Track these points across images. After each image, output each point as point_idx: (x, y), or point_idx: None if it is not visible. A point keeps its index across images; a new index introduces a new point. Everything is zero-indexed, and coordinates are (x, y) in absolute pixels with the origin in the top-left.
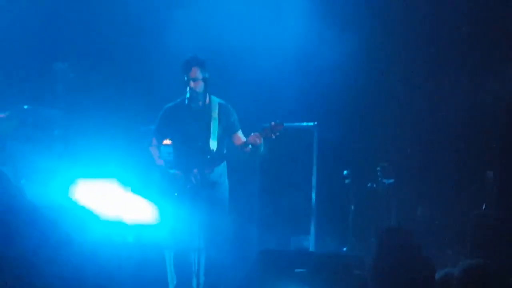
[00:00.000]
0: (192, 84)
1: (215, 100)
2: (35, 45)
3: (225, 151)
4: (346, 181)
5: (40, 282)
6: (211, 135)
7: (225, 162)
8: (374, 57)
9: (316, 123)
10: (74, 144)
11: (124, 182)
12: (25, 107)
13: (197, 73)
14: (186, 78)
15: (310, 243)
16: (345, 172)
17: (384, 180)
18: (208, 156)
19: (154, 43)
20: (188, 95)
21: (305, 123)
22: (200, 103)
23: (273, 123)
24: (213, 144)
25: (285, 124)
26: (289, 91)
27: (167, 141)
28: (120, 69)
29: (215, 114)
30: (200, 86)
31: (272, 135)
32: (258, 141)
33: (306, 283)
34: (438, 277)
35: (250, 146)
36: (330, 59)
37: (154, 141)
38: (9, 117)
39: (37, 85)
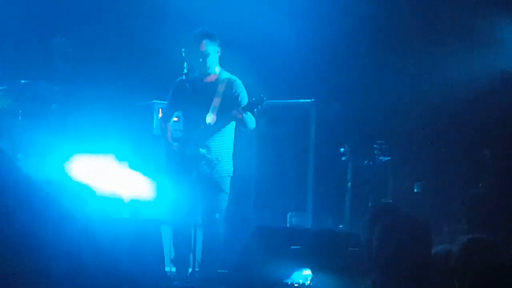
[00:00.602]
0: (200, 57)
1: (225, 75)
2: (32, 19)
3: (225, 127)
4: (343, 158)
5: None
6: (211, 109)
7: (227, 138)
8: (372, 34)
9: (313, 100)
10: (71, 119)
11: (121, 158)
12: (22, 81)
13: (206, 46)
14: (195, 51)
15: (306, 220)
16: (342, 149)
17: (381, 158)
18: (203, 130)
19: (153, 16)
20: (197, 68)
21: (302, 100)
22: (209, 77)
23: (253, 98)
24: (211, 118)
25: (282, 101)
26: (286, 67)
27: (175, 118)
28: (118, 44)
29: (221, 88)
30: (209, 60)
31: (254, 110)
32: (239, 115)
33: (302, 260)
34: (436, 252)
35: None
36: (328, 36)
37: (165, 114)
38: (6, 91)
39: (34, 59)
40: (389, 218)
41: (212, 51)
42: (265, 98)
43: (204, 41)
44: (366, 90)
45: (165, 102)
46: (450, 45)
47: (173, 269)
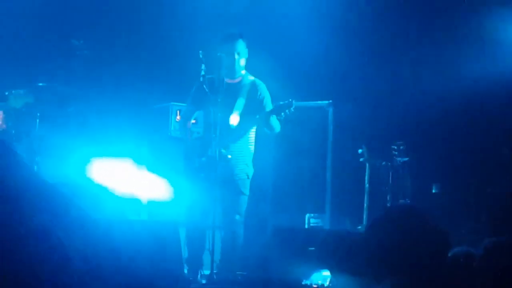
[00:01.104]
0: (235, 56)
1: (249, 77)
2: (50, 22)
3: (246, 128)
4: (361, 159)
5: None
6: (234, 111)
7: (248, 140)
8: (389, 34)
9: (331, 101)
10: (89, 121)
11: (139, 160)
12: (40, 84)
13: (242, 46)
14: (229, 50)
15: (325, 221)
16: (360, 150)
17: (399, 159)
18: (225, 131)
19: (170, 19)
20: (227, 67)
21: (320, 102)
22: (235, 78)
23: (281, 102)
24: (234, 120)
25: (300, 103)
26: (304, 69)
27: (192, 121)
28: (135, 46)
29: (245, 90)
30: (239, 61)
31: (282, 113)
32: (265, 119)
33: (320, 261)
34: (455, 256)
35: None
36: (345, 37)
37: (185, 115)
38: (24, 94)
39: (52, 62)
40: (406, 220)
41: (244, 52)
42: (293, 102)
43: (239, 41)
44: (384, 91)
45: (183, 104)
46: (467, 44)
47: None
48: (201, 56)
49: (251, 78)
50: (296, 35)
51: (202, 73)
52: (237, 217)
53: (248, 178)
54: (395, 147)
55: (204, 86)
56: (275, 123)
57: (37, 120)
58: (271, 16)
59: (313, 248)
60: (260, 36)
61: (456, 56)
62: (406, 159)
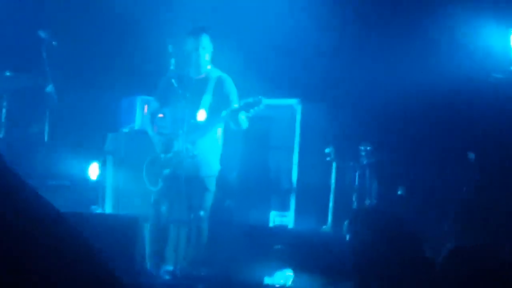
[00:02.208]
0: (200, 51)
1: (216, 72)
2: (18, 12)
3: (213, 125)
4: (328, 159)
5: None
6: (200, 106)
7: (215, 137)
8: (359, 36)
9: (299, 99)
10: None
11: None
12: (7, 73)
13: (206, 41)
14: (193, 46)
15: (289, 219)
16: (327, 150)
17: (366, 159)
18: (191, 127)
19: (143, 12)
20: (192, 63)
21: (289, 99)
22: (202, 73)
23: (250, 99)
24: (201, 116)
25: (269, 100)
26: (274, 66)
27: (160, 115)
28: (103, 37)
29: (211, 85)
30: (204, 55)
31: (251, 110)
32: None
33: (284, 260)
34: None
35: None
36: (315, 36)
37: (152, 110)
38: None
39: (20, 52)
40: (373, 221)
41: (208, 46)
42: (262, 99)
43: (203, 36)
44: (353, 92)
45: (150, 98)
46: (435, 46)
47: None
48: (170, 50)
49: (218, 72)
50: (267, 32)
51: (172, 67)
52: (202, 213)
53: (214, 174)
54: (363, 148)
55: (173, 81)
56: (242, 120)
57: (4, 110)
58: (242, 11)
59: (279, 246)
60: (230, 32)
61: (424, 58)
62: (373, 160)
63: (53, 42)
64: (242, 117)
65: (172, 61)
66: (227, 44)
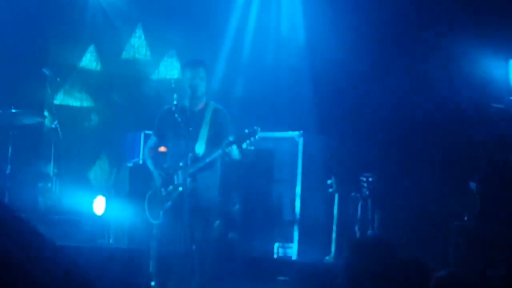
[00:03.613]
0: (197, 83)
1: (212, 104)
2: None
3: (211, 157)
4: (330, 190)
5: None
6: (199, 139)
7: (214, 168)
8: (359, 66)
9: (301, 132)
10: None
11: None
12: (13, 110)
13: (203, 73)
14: (189, 77)
15: (293, 251)
16: (329, 181)
17: (368, 190)
18: (192, 160)
19: None
20: (189, 94)
21: (290, 132)
22: (198, 105)
23: (246, 130)
24: (200, 148)
25: (270, 133)
26: (274, 100)
27: (162, 148)
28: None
29: (208, 118)
30: (202, 87)
31: (247, 141)
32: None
33: None
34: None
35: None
36: (315, 69)
37: (151, 144)
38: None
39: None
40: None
41: (205, 79)
42: (258, 131)
43: (200, 69)
44: (353, 123)
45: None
46: (437, 79)
47: None
48: (173, 85)
49: (213, 104)
50: (269, 66)
51: (175, 102)
52: (204, 245)
53: (215, 206)
54: (364, 179)
55: (176, 116)
56: (235, 152)
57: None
58: (243, 46)
59: (284, 278)
60: (232, 66)
61: (424, 88)
62: (374, 190)
63: (58, 79)
64: (235, 149)
65: (175, 96)
66: (230, 78)
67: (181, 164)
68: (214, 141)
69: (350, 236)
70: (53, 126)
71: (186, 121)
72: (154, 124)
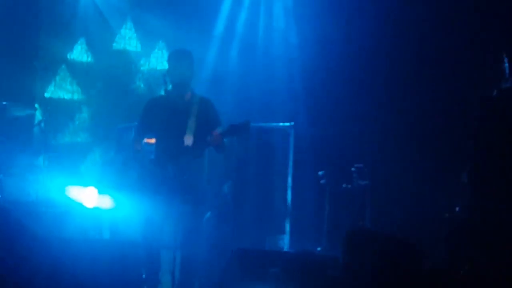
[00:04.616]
0: (183, 73)
1: (197, 95)
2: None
3: (201, 148)
4: (322, 181)
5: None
6: (187, 130)
7: (202, 159)
8: (350, 57)
9: (292, 123)
10: (52, 140)
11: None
12: (4, 103)
13: (188, 64)
14: (178, 68)
15: (285, 242)
16: (320, 172)
17: (359, 181)
18: (179, 151)
19: None
20: (174, 86)
21: (281, 124)
22: (184, 96)
23: (237, 122)
24: (188, 140)
25: (262, 125)
26: (266, 91)
27: (151, 140)
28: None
29: (195, 109)
30: (188, 78)
31: (238, 133)
32: (216, 140)
33: (280, 283)
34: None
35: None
36: (307, 60)
37: (138, 135)
38: None
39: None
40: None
41: (191, 69)
42: (249, 122)
43: (187, 59)
44: (345, 114)
45: (134, 124)
46: (428, 70)
47: None
48: (174, 69)
49: (198, 95)
50: (260, 58)
51: (162, 93)
52: (194, 236)
53: (203, 197)
54: (355, 170)
55: (163, 107)
56: (224, 144)
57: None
58: (234, 37)
59: (275, 269)
60: (223, 58)
61: (417, 80)
62: (366, 182)
63: (49, 72)
64: (224, 141)
65: (164, 87)
66: (222, 70)
67: (169, 155)
68: (201, 132)
69: (345, 229)
70: (43, 118)
71: (174, 112)
72: (140, 115)
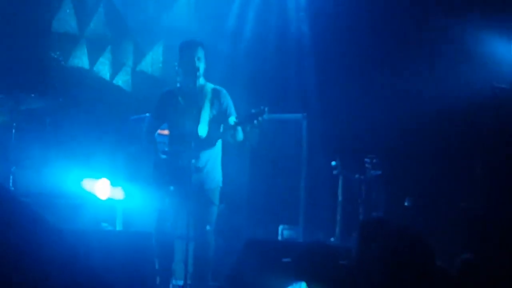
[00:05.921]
0: (197, 63)
1: (209, 85)
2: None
3: (216, 138)
4: (334, 172)
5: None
6: (201, 120)
7: (216, 149)
8: (363, 48)
9: (305, 114)
10: (65, 132)
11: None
12: (17, 94)
13: (201, 54)
14: (189, 58)
15: (298, 233)
16: (333, 163)
17: (372, 172)
18: (194, 141)
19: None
20: (186, 76)
21: (294, 114)
22: (197, 86)
23: (253, 110)
24: (202, 130)
25: (275, 115)
26: (278, 82)
27: (164, 131)
28: None
29: (208, 99)
30: (201, 68)
31: (254, 121)
32: (232, 129)
33: (293, 273)
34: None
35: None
36: (319, 51)
37: (151, 126)
38: (1, 104)
39: (29, 73)
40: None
41: (203, 59)
42: (266, 110)
43: (199, 49)
44: (358, 104)
45: (148, 114)
46: (442, 58)
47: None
48: (176, 68)
49: (211, 85)
50: (272, 49)
51: (178, 85)
52: (208, 227)
53: (218, 187)
54: (368, 160)
55: (179, 98)
56: (239, 134)
57: (13, 131)
58: (246, 28)
59: (288, 259)
60: (236, 49)
61: (428, 70)
62: (379, 172)
63: (62, 62)
64: (240, 130)
65: (178, 78)
66: (234, 60)
67: (184, 146)
68: (216, 122)
69: (358, 219)
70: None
71: (188, 103)
72: (154, 107)
